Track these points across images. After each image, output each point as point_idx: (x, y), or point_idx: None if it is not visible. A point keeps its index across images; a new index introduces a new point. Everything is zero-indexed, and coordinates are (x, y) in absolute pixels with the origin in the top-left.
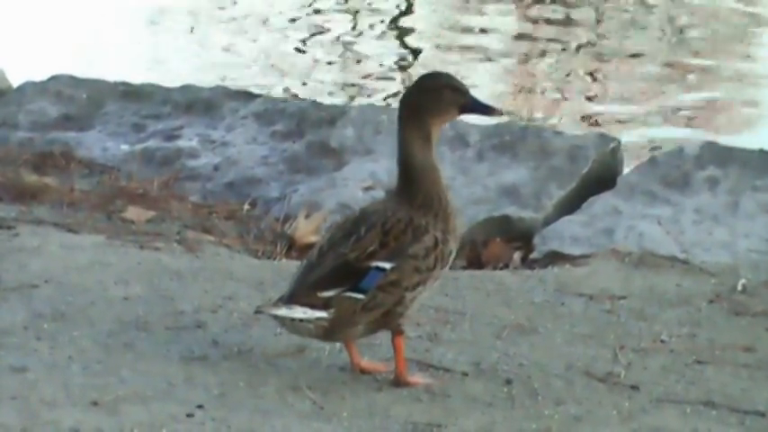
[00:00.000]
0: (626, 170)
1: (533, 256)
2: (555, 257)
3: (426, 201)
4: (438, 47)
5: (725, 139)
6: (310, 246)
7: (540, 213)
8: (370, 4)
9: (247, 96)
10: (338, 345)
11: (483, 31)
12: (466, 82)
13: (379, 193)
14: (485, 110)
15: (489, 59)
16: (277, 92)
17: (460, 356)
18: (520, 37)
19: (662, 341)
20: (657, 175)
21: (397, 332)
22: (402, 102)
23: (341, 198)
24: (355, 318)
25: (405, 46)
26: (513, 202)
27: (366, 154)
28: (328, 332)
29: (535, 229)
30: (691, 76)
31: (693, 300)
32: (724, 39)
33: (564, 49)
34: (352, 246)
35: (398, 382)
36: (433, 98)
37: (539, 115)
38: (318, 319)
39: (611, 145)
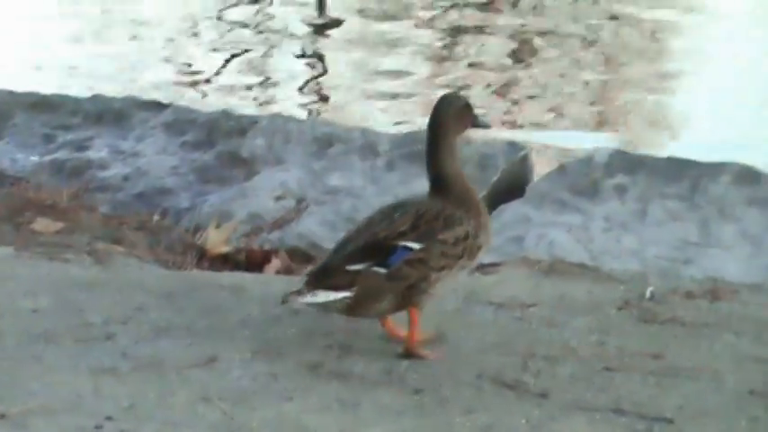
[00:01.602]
0: (536, 178)
1: None
2: None
3: (459, 198)
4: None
5: (634, 146)
6: (221, 256)
7: None
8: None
9: (157, 106)
10: (249, 354)
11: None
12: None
13: (290, 203)
14: (484, 125)
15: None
16: (189, 98)
17: (371, 365)
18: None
19: (571, 348)
20: (567, 183)
21: (415, 306)
22: (434, 122)
23: (252, 208)
24: (380, 292)
25: (316, 54)
26: None
27: (277, 163)
28: (353, 308)
29: None
30: (602, 81)
31: (603, 307)
32: (636, 44)
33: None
34: (384, 226)
35: (409, 351)
36: (458, 117)
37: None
38: (343, 298)
39: (521, 153)
